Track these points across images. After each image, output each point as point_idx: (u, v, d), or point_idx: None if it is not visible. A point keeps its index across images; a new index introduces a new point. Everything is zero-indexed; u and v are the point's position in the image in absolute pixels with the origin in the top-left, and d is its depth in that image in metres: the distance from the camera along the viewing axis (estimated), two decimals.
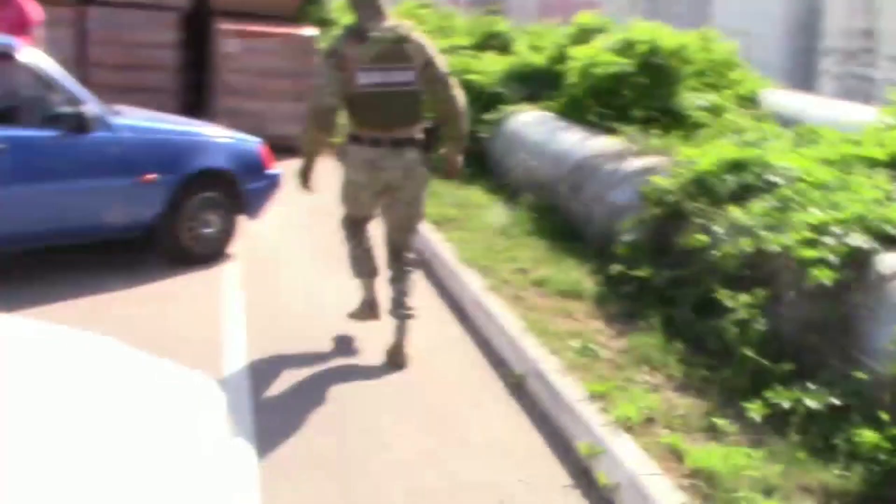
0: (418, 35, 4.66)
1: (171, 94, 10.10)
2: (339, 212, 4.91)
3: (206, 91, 10.58)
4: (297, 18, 10.94)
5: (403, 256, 4.80)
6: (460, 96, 4.71)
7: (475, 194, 7.88)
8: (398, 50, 4.53)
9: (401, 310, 4.73)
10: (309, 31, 10.46)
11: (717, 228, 4.91)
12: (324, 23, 11.15)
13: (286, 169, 7.68)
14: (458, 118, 4.70)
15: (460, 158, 4.87)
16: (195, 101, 10.42)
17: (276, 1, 10.85)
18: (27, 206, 5.37)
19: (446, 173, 4.91)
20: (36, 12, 7.04)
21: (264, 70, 9.98)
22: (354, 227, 4.85)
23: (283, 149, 9.28)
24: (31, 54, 5.53)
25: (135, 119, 5.98)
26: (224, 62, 10.08)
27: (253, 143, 6.57)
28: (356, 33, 4.56)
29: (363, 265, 4.91)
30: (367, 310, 5.00)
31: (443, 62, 4.70)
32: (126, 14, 10.13)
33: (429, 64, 4.58)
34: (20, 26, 6.77)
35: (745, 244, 4.56)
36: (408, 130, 4.60)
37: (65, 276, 5.75)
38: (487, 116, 8.99)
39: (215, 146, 6.30)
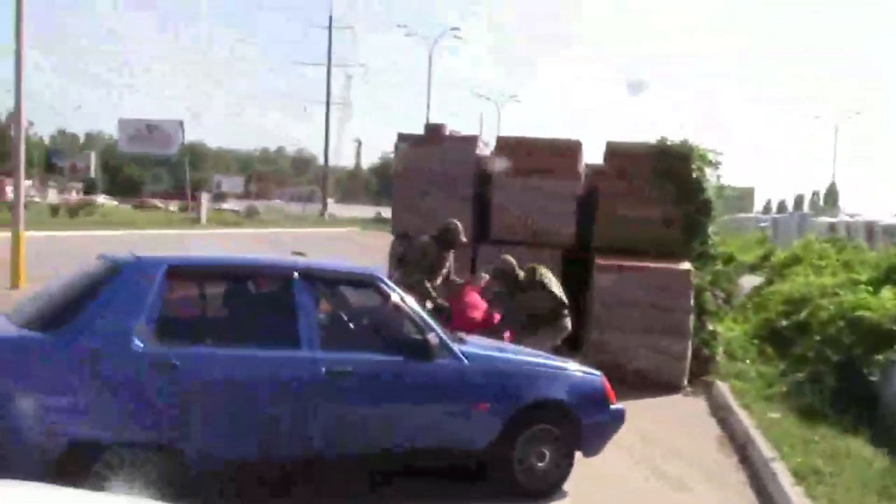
0: None
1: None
2: None
3: (580, 323, 10.64)
4: (680, 253, 10.71)
5: None
6: None
7: (855, 443, 6.83)
8: None
9: None
10: (684, 265, 10.20)
11: None
12: (703, 256, 10.83)
13: (645, 406, 7.31)
14: None
15: None
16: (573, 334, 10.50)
17: (661, 237, 10.73)
18: (364, 427, 5.53)
19: None
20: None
21: (633, 303, 9.84)
22: None
23: (642, 384, 8.95)
24: (387, 285, 5.94)
25: (476, 348, 6.07)
26: (598, 296, 10.13)
27: (595, 375, 6.34)
28: None
29: None
30: None
31: None
32: (515, 251, 10.68)
33: None
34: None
35: None
36: None
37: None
38: (880, 357, 7.94)
39: (554, 377, 6.15)
